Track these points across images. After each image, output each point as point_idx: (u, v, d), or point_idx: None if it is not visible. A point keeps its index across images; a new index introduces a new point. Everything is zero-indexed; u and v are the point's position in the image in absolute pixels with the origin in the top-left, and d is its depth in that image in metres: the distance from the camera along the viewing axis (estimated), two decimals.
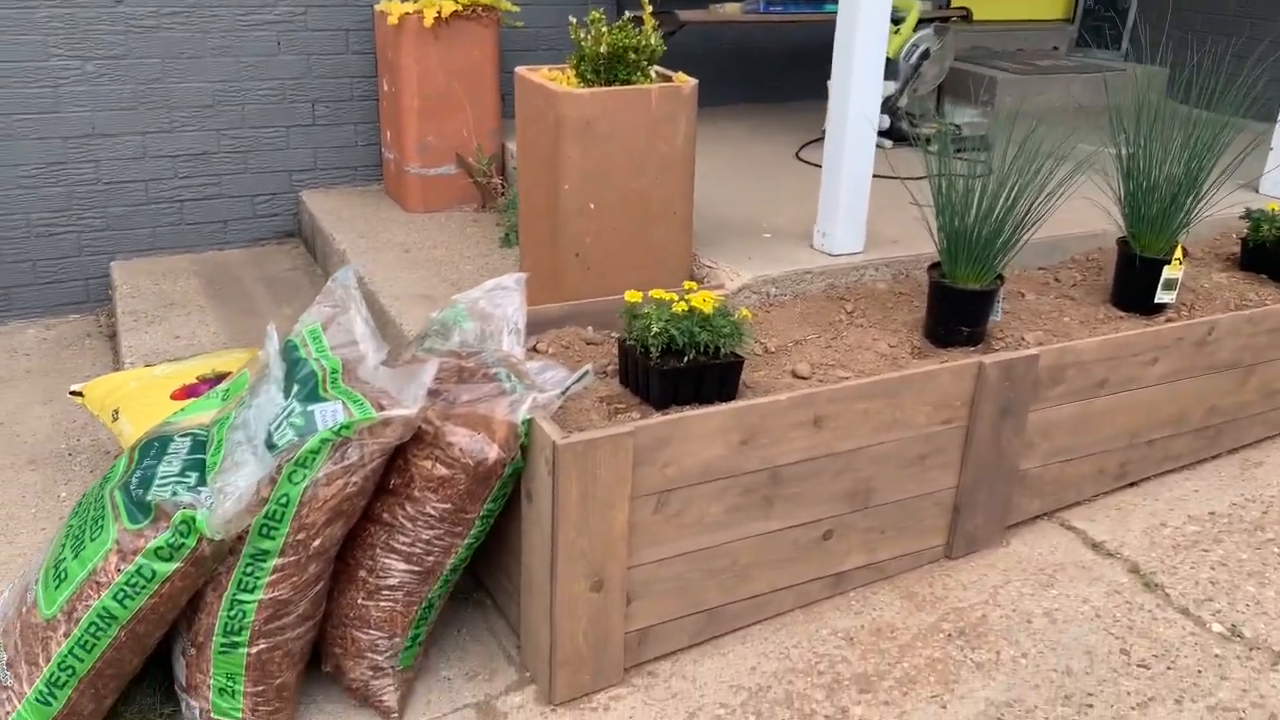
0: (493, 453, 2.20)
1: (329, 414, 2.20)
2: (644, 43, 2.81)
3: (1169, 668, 2.39)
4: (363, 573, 2.28)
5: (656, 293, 2.59)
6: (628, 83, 2.84)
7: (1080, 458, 2.88)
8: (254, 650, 2.16)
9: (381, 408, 2.19)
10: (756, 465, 2.37)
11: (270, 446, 2.13)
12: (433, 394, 2.32)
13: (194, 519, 2.04)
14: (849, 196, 3.14)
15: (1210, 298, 3.32)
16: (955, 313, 2.88)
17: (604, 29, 2.80)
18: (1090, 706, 2.29)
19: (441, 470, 2.22)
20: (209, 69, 4.20)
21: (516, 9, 4.19)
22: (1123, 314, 3.19)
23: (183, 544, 2.05)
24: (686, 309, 2.50)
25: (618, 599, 2.30)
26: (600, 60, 2.80)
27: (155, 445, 2.34)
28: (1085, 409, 2.80)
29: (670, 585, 2.38)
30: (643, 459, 2.21)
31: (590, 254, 2.89)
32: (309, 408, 2.21)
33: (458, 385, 2.33)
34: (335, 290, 2.50)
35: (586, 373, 2.28)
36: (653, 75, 2.91)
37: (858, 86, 3.02)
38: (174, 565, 2.06)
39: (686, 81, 2.87)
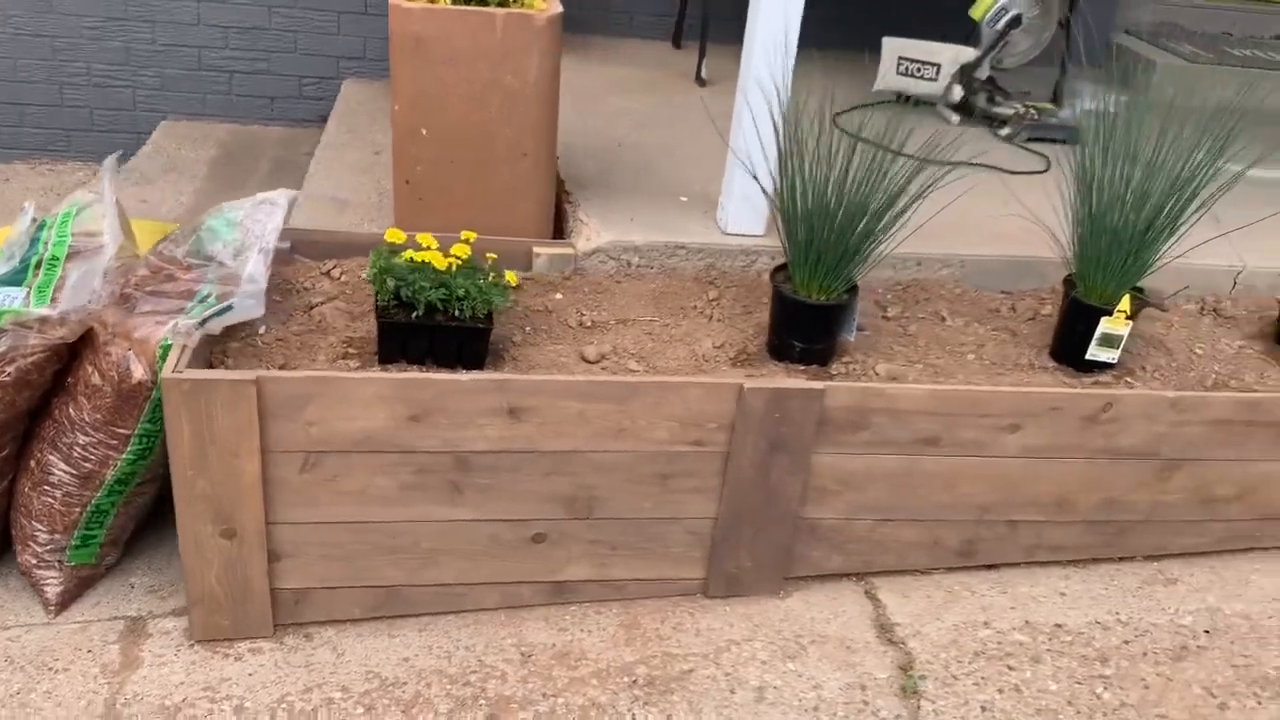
0: (139, 372, 2.11)
1: (6, 300, 2.17)
2: None
3: None
4: (32, 463, 2.26)
5: (424, 237, 2.37)
6: (483, 3, 2.58)
7: (902, 520, 2.41)
8: None
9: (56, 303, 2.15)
10: (436, 446, 2.13)
11: None
12: (125, 299, 2.24)
13: None
14: (745, 171, 2.73)
15: (1187, 369, 2.67)
16: (789, 325, 2.47)
17: None
18: None
19: (96, 379, 2.14)
20: None
21: None
22: (1054, 365, 2.63)
23: None
24: (422, 260, 2.26)
25: (256, 552, 2.16)
26: None
27: None
28: (909, 466, 2.33)
29: (331, 552, 2.21)
30: (279, 413, 2.04)
31: (423, 184, 2.68)
32: (2, 290, 2.20)
33: (151, 295, 2.24)
34: (104, 175, 2.45)
35: (229, 307, 2.12)
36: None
37: (762, 42, 2.59)
38: None
39: (544, 10, 2.56)
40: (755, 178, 2.67)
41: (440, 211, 2.71)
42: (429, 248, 2.32)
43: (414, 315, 2.26)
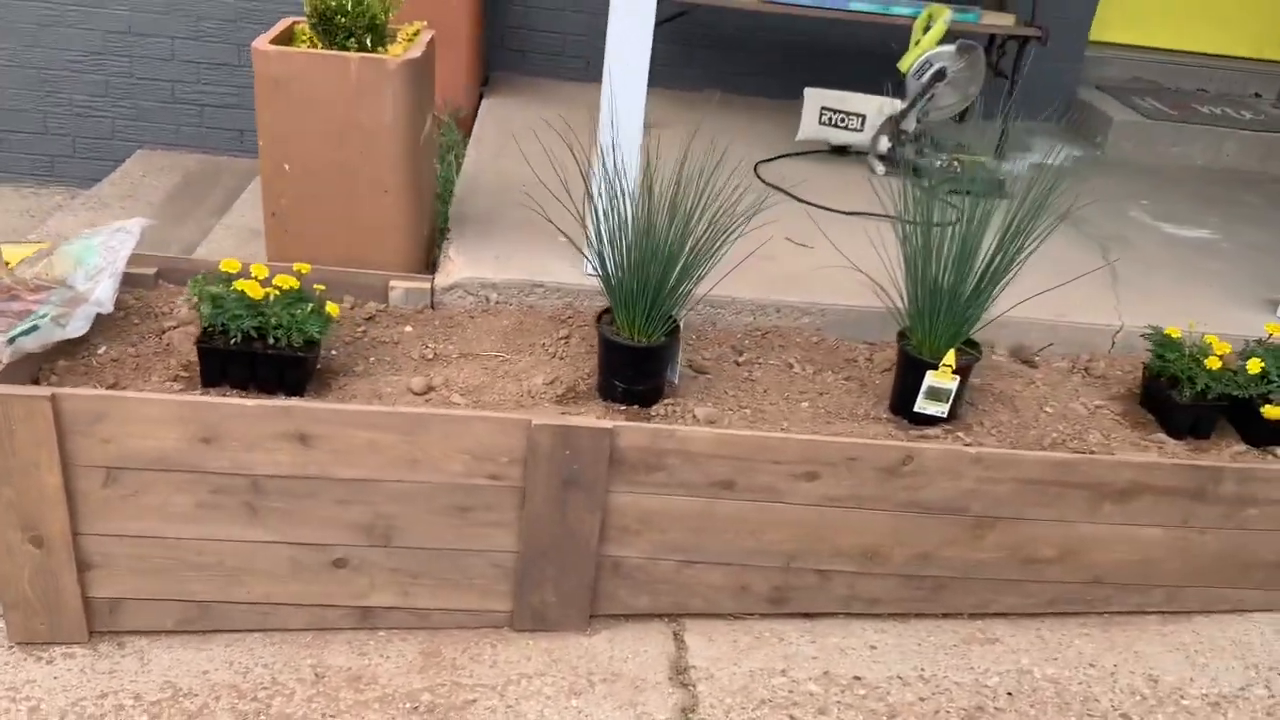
0: None
1: None
2: (353, 6, 2.64)
3: None
4: None
5: (257, 267, 2.48)
6: (344, 48, 2.70)
7: (709, 564, 2.43)
8: None
9: None
10: (228, 468, 2.22)
11: None
12: None
13: None
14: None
15: (1029, 427, 2.64)
16: (612, 366, 2.52)
17: None
18: None
19: None
20: None
21: None
22: (889, 417, 2.63)
23: None
24: (238, 290, 2.37)
25: (65, 560, 2.26)
26: (316, 20, 2.68)
27: None
28: (707, 508, 2.35)
29: (139, 564, 2.31)
30: (76, 429, 2.15)
31: (289, 217, 2.80)
32: None
33: None
34: None
35: (35, 327, 2.24)
36: (389, 44, 2.74)
37: (615, 94, 2.67)
38: None
39: (398, 56, 2.67)
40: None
41: (308, 244, 2.82)
42: (258, 278, 2.43)
43: (233, 342, 2.37)
